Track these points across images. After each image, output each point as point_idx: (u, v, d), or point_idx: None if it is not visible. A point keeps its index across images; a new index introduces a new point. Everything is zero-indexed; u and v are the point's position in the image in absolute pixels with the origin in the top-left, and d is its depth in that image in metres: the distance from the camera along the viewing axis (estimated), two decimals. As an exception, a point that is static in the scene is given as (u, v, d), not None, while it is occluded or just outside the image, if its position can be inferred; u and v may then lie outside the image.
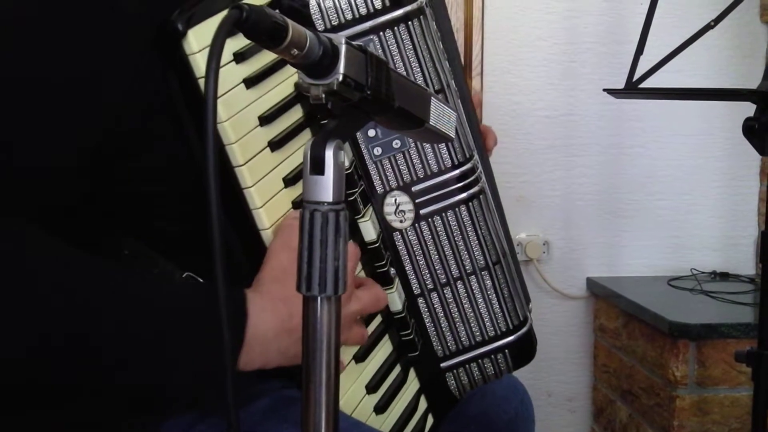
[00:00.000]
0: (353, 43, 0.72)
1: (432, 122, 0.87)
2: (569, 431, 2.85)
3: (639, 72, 1.82)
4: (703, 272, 2.77)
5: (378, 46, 1.11)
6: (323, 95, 0.70)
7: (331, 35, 0.70)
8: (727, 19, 1.85)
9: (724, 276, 2.75)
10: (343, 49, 0.70)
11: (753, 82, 1.63)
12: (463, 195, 1.17)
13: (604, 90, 1.90)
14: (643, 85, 1.81)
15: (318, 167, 0.71)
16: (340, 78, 0.70)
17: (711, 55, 2.72)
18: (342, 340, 0.99)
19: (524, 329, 1.26)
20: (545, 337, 2.77)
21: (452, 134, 0.91)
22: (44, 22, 0.86)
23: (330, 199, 0.71)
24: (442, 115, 0.89)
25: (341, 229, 0.71)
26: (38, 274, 0.82)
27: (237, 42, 0.99)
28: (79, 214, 0.93)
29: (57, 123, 0.87)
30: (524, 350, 1.27)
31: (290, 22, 0.65)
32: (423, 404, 1.26)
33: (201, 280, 0.99)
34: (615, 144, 2.76)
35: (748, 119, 1.59)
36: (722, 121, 2.72)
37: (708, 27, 1.78)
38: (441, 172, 1.16)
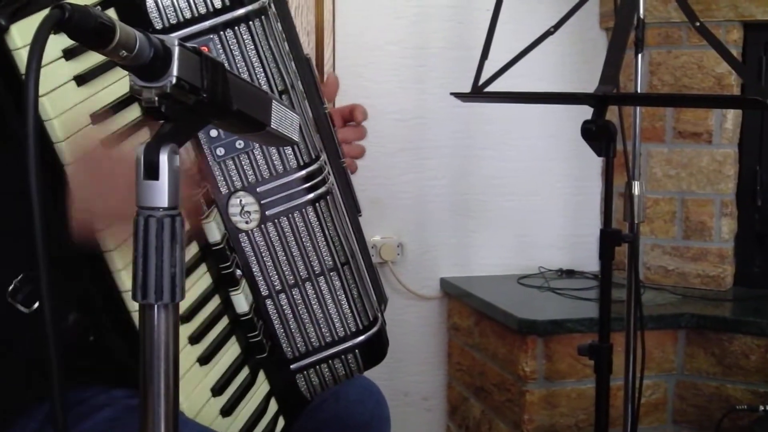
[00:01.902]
0: (187, 44, 0.70)
1: (274, 125, 0.86)
2: (425, 430, 2.88)
3: (485, 76, 1.86)
4: (550, 270, 2.86)
5: (218, 46, 1.09)
6: (156, 98, 0.69)
7: (164, 36, 0.68)
8: (569, 26, 1.92)
9: (570, 273, 2.85)
10: (176, 51, 0.68)
11: (593, 87, 1.69)
12: (310, 196, 1.17)
13: (451, 93, 1.94)
14: (488, 89, 1.86)
15: (152, 172, 0.69)
16: (174, 81, 0.68)
17: (554, 60, 2.82)
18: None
19: (374, 329, 1.27)
20: (401, 338, 2.80)
21: (296, 138, 0.91)
22: None
23: (165, 204, 0.69)
24: (284, 119, 0.88)
25: (177, 235, 0.69)
26: None
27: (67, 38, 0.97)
28: None
29: None
30: (374, 350, 1.28)
31: (118, 23, 0.63)
32: (273, 407, 1.26)
33: None
34: (465, 146, 2.82)
35: (585, 122, 1.65)
36: (567, 123, 2.81)
37: (548, 33, 1.84)
38: (287, 173, 1.15)
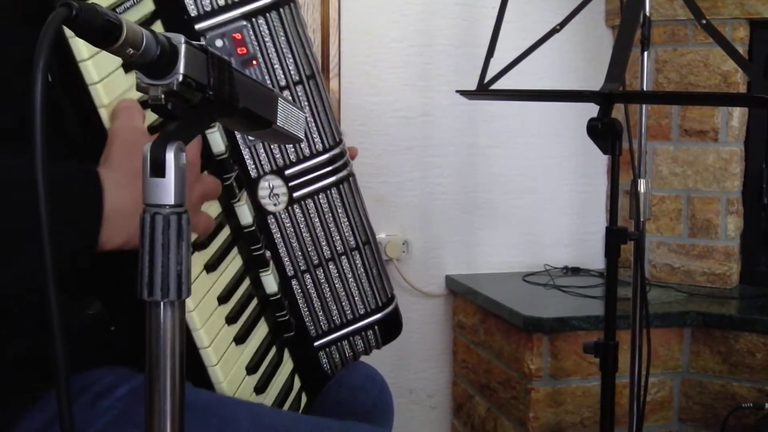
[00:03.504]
0: (193, 42, 0.70)
1: (280, 123, 0.86)
2: (430, 427, 2.89)
3: (491, 74, 1.86)
4: (555, 267, 2.86)
5: (251, 33, 1.11)
6: (162, 96, 0.69)
7: (170, 34, 0.68)
8: (575, 24, 1.91)
9: (576, 271, 2.85)
10: (182, 48, 0.68)
11: (599, 84, 1.68)
12: (334, 178, 1.20)
13: (457, 91, 1.94)
14: (494, 87, 1.86)
15: (158, 170, 0.69)
16: (180, 78, 0.68)
17: (560, 58, 2.82)
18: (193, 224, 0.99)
19: (392, 306, 1.32)
20: (406, 336, 2.79)
21: (301, 135, 0.91)
22: None
23: (171, 201, 0.69)
24: (290, 116, 0.88)
25: (183, 232, 0.70)
26: None
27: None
28: None
29: None
30: (392, 326, 1.33)
31: (125, 21, 0.63)
32: (297, 383, 1.29)
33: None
34: (471, 144, 2.82)
35: (591, 120, 1.64)
36: (573, 121, 2.82)
37: (554, 31, 1.83)
38: (312, 156, 1.19)
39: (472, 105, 2.71)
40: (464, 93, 1.93)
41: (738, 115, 2.63)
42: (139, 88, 0.69)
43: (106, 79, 0.96)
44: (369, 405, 1.42)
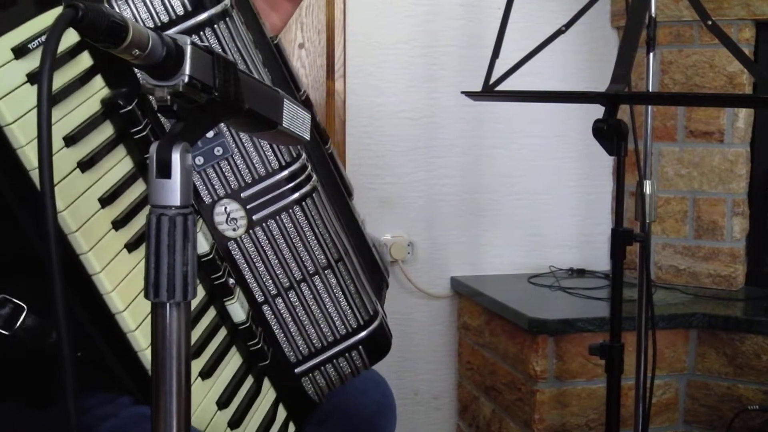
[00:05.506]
0: (199, 43, 0.70)
1: (285, 124, 0.86)
2: (435, 429, 2.88)
3: (496, 75, 1.86)
4: (561, 269, 2.86)
5: None
6: (168, 97, 0.69)
7: (176, 35, 0.69)
8: (581, 25, 1.91)
9: (581, 272, 2.84)
10: (188, 50, 0.69)
11: (605, 86, 1.68)
12: (296, 195, 1.15)
13: (462, 92, 1.93)
14: (499, 88, 1.85)
15: (164, 170, 0.69)
16: (186, 79, 0.68)
17: (566, 59, 2.82)
18: None
19: (375, 323, 1.25)
20: (411, 337, 2.80)
21: (306, 136, 0.91)
22: None
23: (177, 203, 0.70)
24: (296, 117, 0.89)
25: (189, 233, 0.70)
26: None
27: (30, 63, 0.93)
28: None
29: None
30: (378, 344, 1.27)
31: (131, 22, 0.63)
32: (282, 413, 1.24)
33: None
34: (475, 145, 2.82)
35: (597, 121, 1.64)
36: (578, 122, 2.82)
37: (559, 32, 1.83)
38: (269, 175, 1.14)
39: (477, 106, 2.71)
40: (469, 94, 1.92)
41: (744, 116, 2.62)
42: (144, 90, 0.69)
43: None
44: (372, 408, 1.41)
